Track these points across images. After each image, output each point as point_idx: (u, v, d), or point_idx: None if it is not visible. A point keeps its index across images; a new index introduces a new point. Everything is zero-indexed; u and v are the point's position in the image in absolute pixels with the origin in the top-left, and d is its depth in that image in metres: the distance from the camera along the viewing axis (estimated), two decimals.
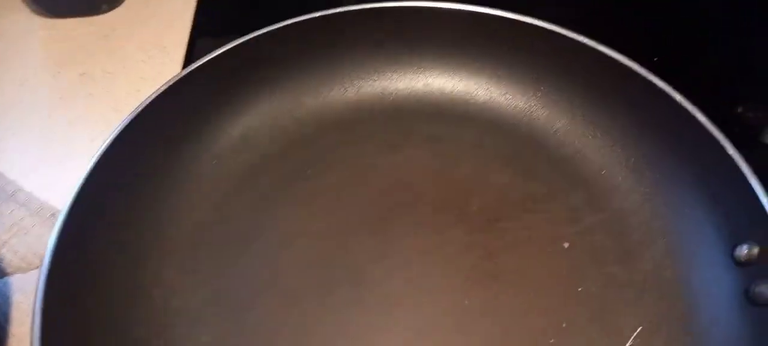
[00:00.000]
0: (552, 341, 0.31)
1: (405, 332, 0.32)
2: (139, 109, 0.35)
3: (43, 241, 0.34)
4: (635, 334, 0.31)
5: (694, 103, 0.34)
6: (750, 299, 0.30)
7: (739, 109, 0.45)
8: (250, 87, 0.39)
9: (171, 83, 0.36)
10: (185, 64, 0.44)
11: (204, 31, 0.48)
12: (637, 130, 0.37)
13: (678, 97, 0.35)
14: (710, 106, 0.34)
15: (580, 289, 0.33)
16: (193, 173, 0.37)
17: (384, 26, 0.40)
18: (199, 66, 0.37)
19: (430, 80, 0.42)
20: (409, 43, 0.41)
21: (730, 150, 0.32)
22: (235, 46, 0.38)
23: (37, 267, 0.35)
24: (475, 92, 0.41)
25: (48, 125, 0.42)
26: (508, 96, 0.41)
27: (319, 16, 0.39)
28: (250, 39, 0.38)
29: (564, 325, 0.32)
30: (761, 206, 0.30)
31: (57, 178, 0.39)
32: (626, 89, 0.37)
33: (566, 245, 0.35)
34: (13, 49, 0.47)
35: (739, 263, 0.31)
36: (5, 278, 0.34)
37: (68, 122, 0.42)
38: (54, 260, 0.30)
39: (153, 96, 0.35)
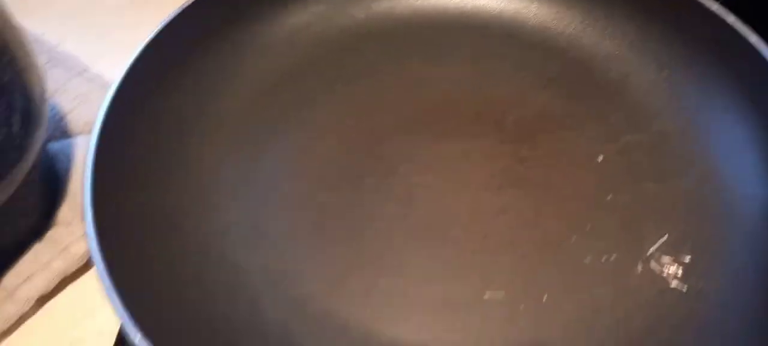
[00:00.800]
0: (574, 238, 0.31)
1: (427, 222, 0.33)
2: None
3: None
4: (660, 242, 0.31)
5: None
6: None
7: None
8: None
9: None
10: None
11: None
12: (687, 53, 0.36)
13: (731, 19, 0.34)
14: None
15: (609, 198, 0.33)
16: (242, 61, 0.39)
17: None
18: None
19: (482, 1, 0.42)
20: None
21: None
22: None
23: None
24: (525, 13, 0.41)
25: (120, 21, 0.46)
26: (557, 19, 0.40)
27: None
28: None
29: (588, 227, 0.32)
30: None
31: (124, 63, 0.42)
32: (677, 12, 0.36)
33: (601, 158, 0.35)
34: None
35: None
36: (70, 139, 0.38)
37: (138, 21, 0.46)
38: (107, 118, 0.32)
39: None
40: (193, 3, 0.37)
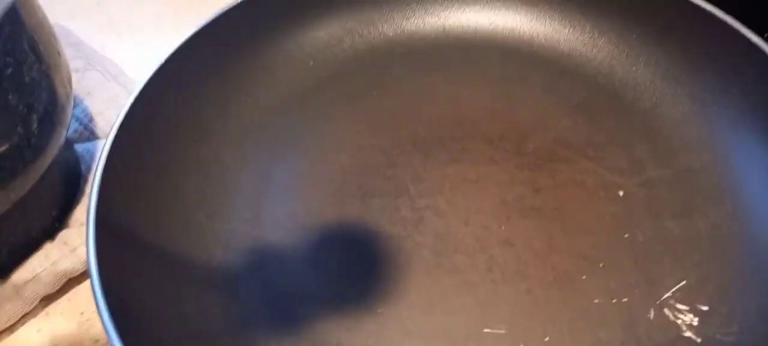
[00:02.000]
0: (584, 276, 0.30)
1: (431, 247, 0.32)
2: (226, 8, 0.38)
3: None
4: (677, 287, 0.29)
5: None
6: None
7: None
8: (332, 8, 0.41)
9: None
10: None
11: None
12: (722, 87, 0.34)
13: None
14: None
15: (626, 236, 0.31)
16: (266, 73, 0.39)
17: None
18: None
19: (514, 24, 0.41)
20: None
21: None
22: None
23: None
24: (556, 38, 0.39)
25: (161, 31, 0.47)
26: (589, 45, 0.39)
27: None
28: None
29: (601, 265, 0.30)
30: None
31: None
32: (716, 43, 0.34)
33: (621, 193, 0.33)
34: None
35: None
36: (96, 141, 0.39)
37: (176, 30, 0.47)
38: (125, 121, 0.32)
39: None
40: (223, 14, 0.37)
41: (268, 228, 0.33)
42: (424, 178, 0.35)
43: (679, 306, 0.28)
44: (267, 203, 0.34)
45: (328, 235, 0.32)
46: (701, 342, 0.27)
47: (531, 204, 0.33)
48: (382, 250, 0.32)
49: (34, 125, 0.30)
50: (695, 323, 0.27)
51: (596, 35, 0.39)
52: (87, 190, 0.36)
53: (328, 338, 0.29)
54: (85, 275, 0.32)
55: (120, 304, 0.26)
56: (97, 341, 0.30)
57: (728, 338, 0.27)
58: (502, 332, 0.28)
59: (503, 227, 0.32)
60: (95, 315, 0.31)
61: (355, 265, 0.31)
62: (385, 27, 0.42)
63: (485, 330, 0.28)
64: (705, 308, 0.28)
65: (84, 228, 0.34)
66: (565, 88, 0.38)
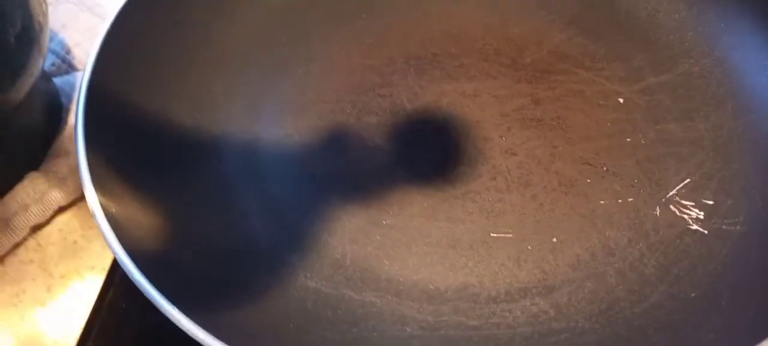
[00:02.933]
0: (589, 181, 0.30)
1: (431, 161, 0.31)
2: None
3: None
4: (682, 185, 0.29)
5: None
6: None
7: None
8: None
9: None
10: None
11: None
12: None
13: None
14: None
15: (628, 140, 0.31)
16: None
17: None
18: None
19: None
20: None
21: None
22: None
23: None
24: None
25: None
26: None
27: None
28: None
29: (605, 169, 0.30)
30: None
31: None
32: None
33: (621, 100, 0.33)
34: None
35: None
36: (75, 73, 0.37)
37: None
38: (103, 47, 0.30)
39: None
40: None
41: (261, 150, 0.32)
42: (420, 95, 0.34)
43: (685, 202, 0.28)
44: (259, 125, 0.33)
45: (325, 152, 0.32)
46: (708, 233, 0.27)
47: (531, 115, 0.32)
48: (381, 164, 0.31)
49: (11, 38, 0.28)
50: (701, 216, 0.28)
51: None
52: (70, 120, 0.35)
53: (333, 251, 0.28)
54: (73, 203, 0.31)
55: (118, 224, 0.25)
56: (92, 267, 0.29)
57: (735, 227, 0.27)
58: (510, 235, 0.28)
59: (504, 138, 0.32)
60: (88, 243, 0.30)
61: (355, 179, 0.31)
62: None
63: (492, 235, 0.28)
64: (710, 203, 0.28)
65: (69, 158, 0.32)
66: (558, 2, 0.37)
